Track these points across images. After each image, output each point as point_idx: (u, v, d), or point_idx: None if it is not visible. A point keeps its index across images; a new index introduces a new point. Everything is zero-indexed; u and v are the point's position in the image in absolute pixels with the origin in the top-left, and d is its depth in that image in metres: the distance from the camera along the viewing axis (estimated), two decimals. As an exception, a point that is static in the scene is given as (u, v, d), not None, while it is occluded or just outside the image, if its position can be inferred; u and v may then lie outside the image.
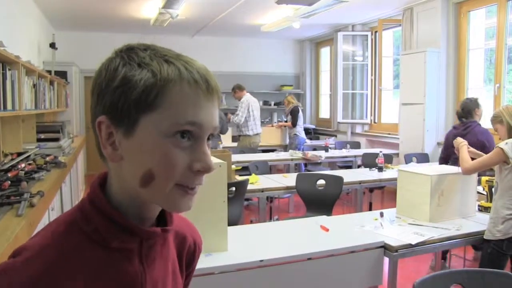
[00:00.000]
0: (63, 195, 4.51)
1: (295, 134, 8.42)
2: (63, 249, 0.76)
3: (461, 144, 3.40)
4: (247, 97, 7.76)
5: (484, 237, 2.99)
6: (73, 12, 7.88)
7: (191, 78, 0.76)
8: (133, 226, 0.80)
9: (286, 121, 9.06)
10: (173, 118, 0.74)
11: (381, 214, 3.34)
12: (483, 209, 3.42)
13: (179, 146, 0.75)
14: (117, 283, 0.80)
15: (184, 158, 0.76)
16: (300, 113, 8.55)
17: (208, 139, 0.80)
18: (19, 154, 3.99)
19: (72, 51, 9.22)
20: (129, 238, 0.81)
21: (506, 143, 2.97)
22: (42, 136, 5.27)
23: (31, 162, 3.91)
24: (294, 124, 8.45)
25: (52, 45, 7.53)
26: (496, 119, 3.16)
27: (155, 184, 0.76)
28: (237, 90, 7.80)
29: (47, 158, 4.24)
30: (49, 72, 6.59)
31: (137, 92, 0.74)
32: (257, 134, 7.89)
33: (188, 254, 0.99)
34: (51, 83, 6.12)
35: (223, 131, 7.69)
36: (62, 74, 7.84)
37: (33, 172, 3.53)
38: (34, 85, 4.72)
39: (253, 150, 7.56)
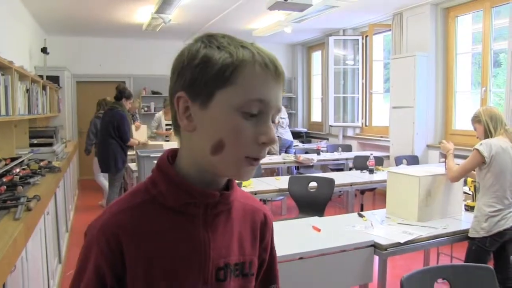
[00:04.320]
0: (58, 199, 4.53)
1: (277, 136, 8.44)
2: (124, 207, 0.90)
3: (449, 152, 3.48)
4: None
5: (469, 235, 3.09)
6: (65, 17, 7.90)
7: (262, 61, 0.86)
8: (194, 188, 0.89)
9: None
10: (245, 94, 0.84)
11: (360, 215, 3.43)
12: (469, 208, 3.51)
13: (247, 119, 0.85)
14: (182, 244, 0.89)
15: (251, 131, 0.85)
16: (283, 115, 8.59)
17: (273, 121, 0.89)
18: (12, 159, 4.00)
19: (64, 56, 9.22)
20: (193, 202, 0.90)
21: (481, 144, 3.09)
22: (35, 141, 5.28)
23: (25, 167, 3.92)
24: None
25: (44, 50, 7.52)
26: (475, 119, 3.26)
27: (224, 153, 0.85)
28: None
29: (41, 163, 4.26)
30: (41, 77, 6.60)
31: (216, 69, 0.84)
32: None
33: (261, 226, 1.05)
34: (44, 88, 6.13)
35: None
36: (54, 79, 7.84)
37: (28, 177, 3.54)
38: (27, 90, 4.73)
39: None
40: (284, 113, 7.84)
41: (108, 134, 5.68)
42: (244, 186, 4.50)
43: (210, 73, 0.84)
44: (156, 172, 0.92)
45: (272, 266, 1.10)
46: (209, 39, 0.88)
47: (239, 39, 0.89)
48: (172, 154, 0.95)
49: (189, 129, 0.87)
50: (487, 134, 3.15)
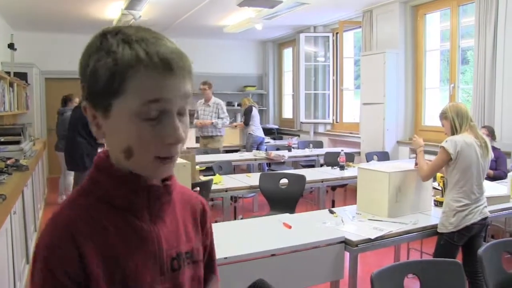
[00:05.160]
0: (25, 198, 4.45)
1: (249, 133, 8.46)
2: (75, 211, 0.88)
3: (420, 149, 3.48)
4: (217, 99, 7.77)
5: (438, 230, 3.14)
6: (33, 12, 7.72)
7: (148, 60, 0.82)
8: (134, 176, 0.89)
9: (241, 121, 9.20)
10: (139, 99, 0.82)
11: (330, 211, 3.48)
12: (439, 204, 3.56)
13: (150, 122, 0.84)
14: (134, 240, 0.89)
15: (155, 133, 0.84)
16: (255, 113, 8.60)
17: (181, 114, 0.88)
18: (-22, 158, 3.93)
19: (32, 52, 9.03)
20: (135, 195, 0.90)
21: (446, 141, 3.15)
22: (2, 139, 5.17)
23: (-9, 165, 3.85)
24: (246, 123, 8.55)
25: (11, 46, 7.37)
26: (443, 115, 3.30)
27: (135, 157, 0.86)
28: (210, 87, 7.67)
29: (8, 161, 4.18)
30: (8, 73, 6.46)
31: (103, 81, 0.83)
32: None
33: (201, 214, 1.07)
34: (11, 85, 6.01)
35: None
36: (22, 76, 7.69)
37: (-6, 175, 3.48)
38: (-7, 87, 4.64)
39: (217, 150, 7.58)
40: (223, 112, 7.70)
41: (76, 132, 5.59)
42: (215, 183, 4.49)
43: (100, 86, 0.83)
44: (95, 173, 0.92)
45: (211, 253, 1.12)
46: (102, 40, 0.85)
47: (134, 33, 0.85)
48: (107, 154, 0.94)
49: (99, 136, 0.89)
50: (453, 130, 3.20)
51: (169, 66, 0.83)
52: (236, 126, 9.41)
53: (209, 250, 1.10)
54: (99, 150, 5.86)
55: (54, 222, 0.87)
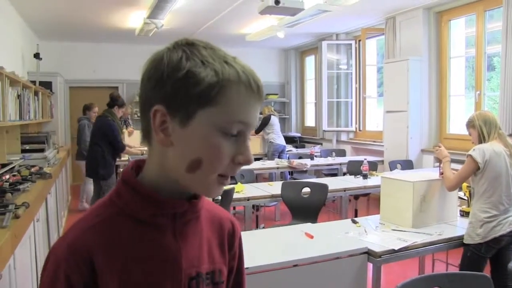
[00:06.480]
0: (49, 206, 4.48)
1: (270, 141, 8.46)
2: (94, 221, 0.86)
3: (445, 159, 3.40)
4: None
5: (464, 241, 3.05)
6: (58, 22, 7.86)
7: (247, 81, 0.83)
8: (161, 198, 0.87)
9: None
10: (228, 115, 0.82)
11: (353, 221, 3.42)
12: (465, 214, 3.47)
13: (227, 140, 0.83)
14: (153, 256, 0.87)
15: (230, 151, 0.84)
16: (275, 121, 8.61)
17: None
18: (3, 166, 3.96)
19: (57, 61, 9.17)
20: (160, 212, 0.88)
21: (474, 149, 3.07)
22: (27, 147, 5.25)
23: (15, 173, 3.88)
24: (256, 131, 8.57)
25: (37, 55, 7.50)
26: (470, 124, 3.23)
27: (200, 171, 0.84)
28: None
29: (32, 169, 4.22)
30: (34, 82, 6.56)
31: (201, 88, 0.80)
32: None
33: (229, 235, 1.04)
34: (36, 93, 6.09)
35: None
36: (47, 85, 7.79)
37: (17, 184, 3.51)
38: (19, 96, 4.69)
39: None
40: None
41: (94, 141, 5.68)
42: (237, 192, 4.47)
43: (194, 91, 0.81)
44: (121, 185, 0.90)
45: (240, 273, 1.08)
46: (191, 49, 0.84)
47: (221, 52, 0.86)
48: (136, 166, 0.93)
49: (165, 144, 0.84)
50: (481, 139, 3.13)
51: (259, 89, 0.86)
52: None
53: (235, 273, 1.06)
54: (115, 160, 5.96)
55: (72, 230, 0.86)
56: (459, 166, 3.25)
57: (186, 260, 0.90)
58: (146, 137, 0.89)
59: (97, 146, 5.60)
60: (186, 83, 0.81)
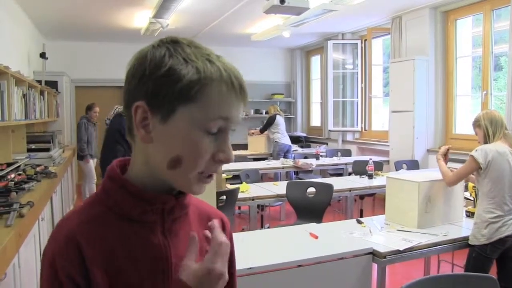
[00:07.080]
0: (54, 205, 4.49)
1: (275, 141, 8.44)
2: (83, 218, 0.86)
3: (437, 157, 3.44)
4: None
5: (469, 242, 3.03)
6: (64, 22, 7.88)
7: (228, 79, 0.84)
8: (148, 195, 0.87)
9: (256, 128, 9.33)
10: (208, 112, 0.82)
11: (358, 221, 3.40)
12: (471, 214, 3.45)
13: (208, 137, 0.84)
14: (142, 253, 0.87)
15: (210, 148, 0.84)
16: (280, 121, 8.57)
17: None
18: (8, 165, 3.98)
19: (62, 61, 9.18)
20: (149, 209, 0.88)
21: (476, 150, 3.06)
22: (33, 146, 5.26)
23: (21, 172, 3.90)
24: (261, 130, 8.63)
25: (43, 55, 7.52)
26: (476, 123, 3.22)
27: (181, 169, 0.84)
28: None
29: (37, 168, 4.23)
30: (40, 82, 6.58)
31: (181, 85, 0.81)
32: None
33: None
34: (42, 93, 6.11)
35: None
36: (53, 84, 7.82)
37: (23, 183, 3.52)
38: (24, 95, 4.71)
39: (244, 158, 7.58)
40: None
41: (115, 141, 5.68)
42: (241, 191, 4.46)
43: (175, 88, 0.81)
44: (108, 182, 0.90)
45: (230, 271, 1.04)
46: (175, 47, 0.84)
47: (205, 50, 0.86)
48: (121, 164, 0.93)
49: (146, 140, 0.85)
50: (486, 138, 3.11)
51: (242, 88, 0.86)
52: (252, 134, 9.39)
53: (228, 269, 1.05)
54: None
55: (60, 228, 0.86)
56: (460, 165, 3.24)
57: (175, 256, 0.90)
58: (130, 134, 0.89)
59: (120, 146, 5.61)
60: (167, 80, 0.81)
